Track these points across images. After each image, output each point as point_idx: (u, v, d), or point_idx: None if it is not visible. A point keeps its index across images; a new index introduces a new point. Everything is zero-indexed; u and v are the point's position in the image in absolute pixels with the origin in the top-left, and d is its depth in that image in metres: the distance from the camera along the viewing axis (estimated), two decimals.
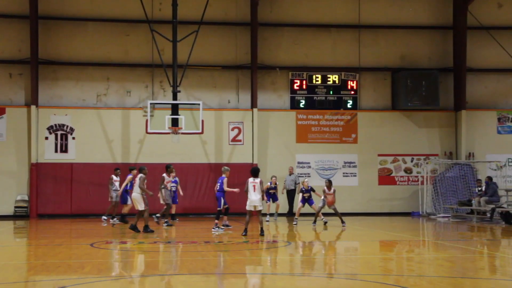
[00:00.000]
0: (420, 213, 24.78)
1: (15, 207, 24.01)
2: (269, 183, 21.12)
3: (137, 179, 16.67)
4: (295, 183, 23.61)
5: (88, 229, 18.60)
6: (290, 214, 23.73)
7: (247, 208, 15.36)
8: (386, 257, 12.51)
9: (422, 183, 25.24)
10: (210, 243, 14.40)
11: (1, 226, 20.72)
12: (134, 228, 16.36)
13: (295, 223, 20.04)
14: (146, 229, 16.39)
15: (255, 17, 25.46)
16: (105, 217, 20.33)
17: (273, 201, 21.42)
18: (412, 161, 26.33)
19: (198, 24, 22.95)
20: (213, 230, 16.82)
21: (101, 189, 21.85)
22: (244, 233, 15.43)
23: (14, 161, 24.49)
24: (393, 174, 26.23)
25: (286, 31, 26.28)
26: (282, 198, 23.90)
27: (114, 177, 20.52)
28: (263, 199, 15.65)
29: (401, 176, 26.30)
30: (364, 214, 25.08)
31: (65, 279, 9.39)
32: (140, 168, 17.36)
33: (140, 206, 16.42)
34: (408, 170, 26.30)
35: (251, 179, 15.15)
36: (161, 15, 24.50)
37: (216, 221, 17.15)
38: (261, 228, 15.61)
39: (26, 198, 24.23)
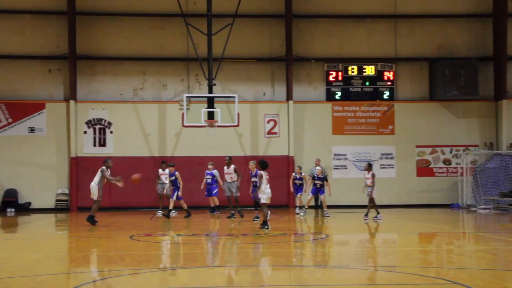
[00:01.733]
0: (460, 205, 24.47)
1: (56, 200, 24.53)
2: (293, 173, 20.98)
3: (99, 171, 17.23)
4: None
5: (126, 221, 18.83)
6: (317, 207, 23.68)
7: (265, 201, 15.10)
8: (425, 249, 12.38)
9: (462, 174, 24.88)
10: (247, 235, 14.42)
11: (43, 219, 21.16)
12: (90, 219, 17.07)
13: (303, 213, 20.21)
14: (91, 219, 17.08)
15: (290, 9, 25.40)
16: (160, 211, 20.92)
17: (300, 193, 21.02)
18: (451, 152, 26.03)
19: (232, 17, 23.02)
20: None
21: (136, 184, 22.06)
22: (267, 227, 15.24)
23: (54, 155, 24.96)
24: (431, 166, 25.96)
25: (321, 23, 26.16)
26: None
27: (160, 170, 20.89)
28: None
29: (439, 168, 26.02)
30: (402, 206, 24.93)
31: (105, 271, 9.53)
32: (105, 160, 17.96)
33: (94, 197, 17.13)
34: (447, 161, 26.01)
35: (263, 172, 15.01)
36: (195, 9, 24.59)
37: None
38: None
39: (67, 191, 24.69)
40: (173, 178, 19.55)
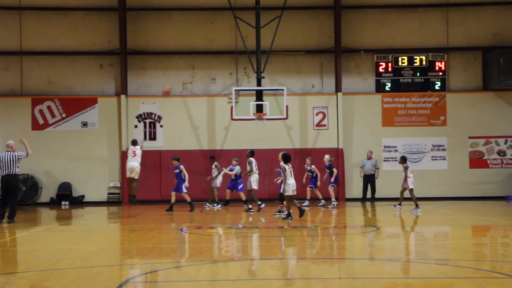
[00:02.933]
0: None
1: (108, 193, 24.99)
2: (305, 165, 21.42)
3: (139, 150, 19.09)
4: (375, 168, 23.62)
5: (177, 214, 19.04)
6: (364, 199, 23.89)
7: (289, 193, 15.65)
8: (479, 242, 12.17)
9: None
10: (297, 228, 14.44)
11: (96, 211, 21.60)
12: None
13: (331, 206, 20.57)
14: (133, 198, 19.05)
15: (338, 0, 25.27)
16: (208, 204, 21.41)
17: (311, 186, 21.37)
18: (506, 143, 25.58)
19: (280, 9, 22.99)
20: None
21: (188, 175, 22.31)
22: (290, 217, 15.68)
23: (106, 149, 25.44)
24: (485, 157, 25.52)
25: (370, 13, 25.94)
26: (359, 182, 24.01)
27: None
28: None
29: (494, 159, 25.56)
30: (455, 198, 24.59)
31: (158, 263, 9.67)
32: (133, 141, 20.04)
33: (137, 175, 19.03)
34: (501, 153, 25.52)
35: (287, 166, 15.62)
36: (244, 2, 24.60)
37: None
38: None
39: (118, 185, 25.13)
40: (177, 171, 19.80)
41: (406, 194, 18.93)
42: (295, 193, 15.74)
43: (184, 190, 19.70)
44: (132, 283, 7.72)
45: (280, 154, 16.67)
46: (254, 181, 19.52)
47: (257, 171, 19.70)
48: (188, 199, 19.81)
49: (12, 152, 16.10)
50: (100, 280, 7.91)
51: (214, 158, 21.75)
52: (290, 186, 15.51)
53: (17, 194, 17.21)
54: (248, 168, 19.52)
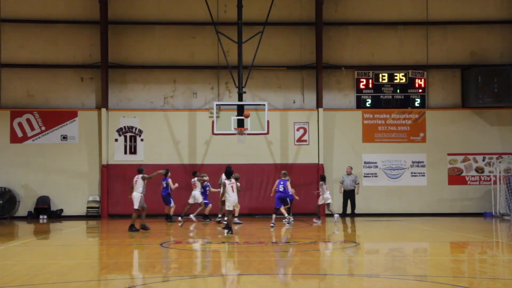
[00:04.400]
0: (493, 213, 24.17)
1: (87, 207, 24.73)
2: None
3: (141, 180, 17.91)
4: (355, 183, 23.58)
5: (157, 229, 18.95)
6: (344, 215, 23.65)
7: (229, 208, 16.48)
8: (457, 258, 12.28)
9: (495, 182, 24.58)
10: (277, 243, 14.44)
11: (74, 226, 21.44)
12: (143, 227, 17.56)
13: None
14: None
15: (320, 17, 25.44)
16: (193, 217, 21.24)
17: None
18: (483, 160, 25.69)
19: (262, 25, 23.08)
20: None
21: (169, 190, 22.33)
22: (230, 232, 16.41)
23: (86, 162, 25.23)
24: (463, 174, 25.67)
25: (351, 30, 26.12)
26: (339, 198, 24.05)
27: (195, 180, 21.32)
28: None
29: (472, 176, 25.71)
30: (434, 214, 24.67)
31: (136, 278, 9.64)
32: (139, 169, 18.63)
33: (136, 206, 17.48)
34: (479, 170, 25.69)
35: (227, 180, 16.37)
36: (226, 17, 24.76)
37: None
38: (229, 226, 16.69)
39: (98, 198, 24.94)
40: (164, 185, 20.96)
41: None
42: (232, 208, 16.48)
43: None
44: None
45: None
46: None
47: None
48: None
49: None
50: None
51: (196, 173, 21.71)
52: (231, 201, 16.13)
53: None
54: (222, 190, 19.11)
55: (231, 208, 16.20)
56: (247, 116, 21.27)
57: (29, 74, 25.42)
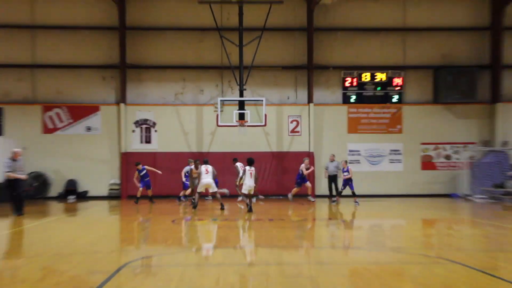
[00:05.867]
0: (459, 195, 24.44)
1: (109, 189, 24.91)
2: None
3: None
4: (337, 169, 22.80)
5: (168, 208, 19.09)
6: (330, 196, 23.02)
7: (245, 191, 16.44)
8: (428, 233, 12.41)
9: (461, 168, 24.94)
10: (273, 220, 14.61)
11: (98, 205, 21.59)
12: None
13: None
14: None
15: (311, 23, 25.48)
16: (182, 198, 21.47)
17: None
18: (451, 149, 25.90)
19: (261, 30, 23.12)
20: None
21: (179, 174, 22.47)
22: (249, 210, 16.33)
23: (107, 150, 25.34)
24: (434, 161, 25.84)
25: (339, 35, 26.13)
26: (325, 182, 23.73)
27: (192, 168, 20.93)
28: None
29: (441, 162, 25.87)
30: (409, 195, 24.84)
31: (152, 250, 9.81)
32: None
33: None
34: (447, 157, 25.86)
35: (248, 167, 15.94)
36: (229, 23, 24.75)
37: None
38: (251, 207, 16.54)
39: (118, 181, 25.09)
40: (143, 172, 21.05)
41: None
42: (251, 192, 16.44)
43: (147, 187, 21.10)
44: (129, 267, 7.80)
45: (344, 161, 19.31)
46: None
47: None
48: (150, 194, 21.17)
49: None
50: (102, 264, 8.04)
51: (197, 161, 21.16)
52: (247, 185, 16.14)
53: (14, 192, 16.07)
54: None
55: (246, 192, 16.05)
56: (243, 124, 21.61)
57: (58, 74, 25.45)
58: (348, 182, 20.61)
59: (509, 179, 23.01)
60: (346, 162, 21.27)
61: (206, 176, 16.69)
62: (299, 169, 21.69)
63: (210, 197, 21.75)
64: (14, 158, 15.77)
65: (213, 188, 17.57)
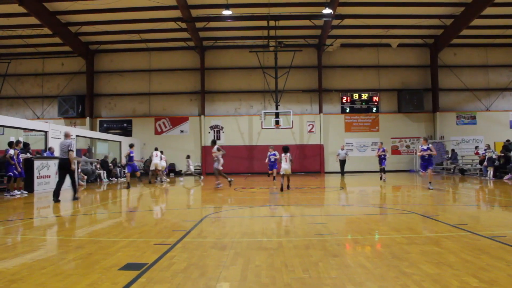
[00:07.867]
0: (414, 170, 24.23)
1: (195, 169, 25.01)
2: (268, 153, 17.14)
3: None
4: (345, 155, 22.44)
5: (237, 182, 17.52)
6: (341, 173, 22.63)
7: (281, 173, 12.69)
8: (396, 194, 11.97)
9: (414, 153, 24.68)
10: (298, 188, 13.88)
11: (188, 179, 21.64)
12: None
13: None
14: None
15: (320, 63, 25.44)
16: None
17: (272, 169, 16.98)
18: (410, 141, 25.64)
19: (288, 67, 23.28)
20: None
21: (237, 160, 22.61)
22: (281, 189, 12.58)
23: (193, 145, 25.73)
24: (399, 149, 25.63)
25: (338, 70, 26.01)
26: (334, 163, 23.33)
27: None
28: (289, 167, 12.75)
29: (403, 150, 25.64)
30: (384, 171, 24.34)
31: (220, 207, 9.32)
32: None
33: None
34: (407, 146, 25.61)
35: (283, 154, 12.99)
36: (268, 63, 24.86)
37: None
38: (288, 185, 13.39)
39: (200, 164, 25.46)
40: (133, 155, 15.28)
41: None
42: (283, 172, 12.65)
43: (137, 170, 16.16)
44: (208, 217, 7.50)
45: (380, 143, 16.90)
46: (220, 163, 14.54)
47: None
48: (138, 174, 16.77)
49: (66, 140, 10.35)
50: (191, 215, 7.77)
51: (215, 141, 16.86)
52: (283, 168, 12.85)
53: (71, 175, 10.46)
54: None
55: (283, 172, 12.78)
56: (278, 127, 21.20)
57: (164, 98, 25.94)
58: (383, 159, 16.60)
59: (445, 160, 22.62)
60: (381, 143, 17.60)
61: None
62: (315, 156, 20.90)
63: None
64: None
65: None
